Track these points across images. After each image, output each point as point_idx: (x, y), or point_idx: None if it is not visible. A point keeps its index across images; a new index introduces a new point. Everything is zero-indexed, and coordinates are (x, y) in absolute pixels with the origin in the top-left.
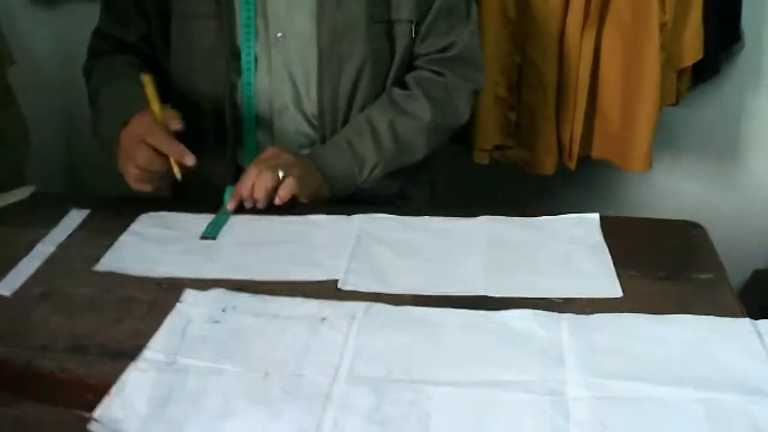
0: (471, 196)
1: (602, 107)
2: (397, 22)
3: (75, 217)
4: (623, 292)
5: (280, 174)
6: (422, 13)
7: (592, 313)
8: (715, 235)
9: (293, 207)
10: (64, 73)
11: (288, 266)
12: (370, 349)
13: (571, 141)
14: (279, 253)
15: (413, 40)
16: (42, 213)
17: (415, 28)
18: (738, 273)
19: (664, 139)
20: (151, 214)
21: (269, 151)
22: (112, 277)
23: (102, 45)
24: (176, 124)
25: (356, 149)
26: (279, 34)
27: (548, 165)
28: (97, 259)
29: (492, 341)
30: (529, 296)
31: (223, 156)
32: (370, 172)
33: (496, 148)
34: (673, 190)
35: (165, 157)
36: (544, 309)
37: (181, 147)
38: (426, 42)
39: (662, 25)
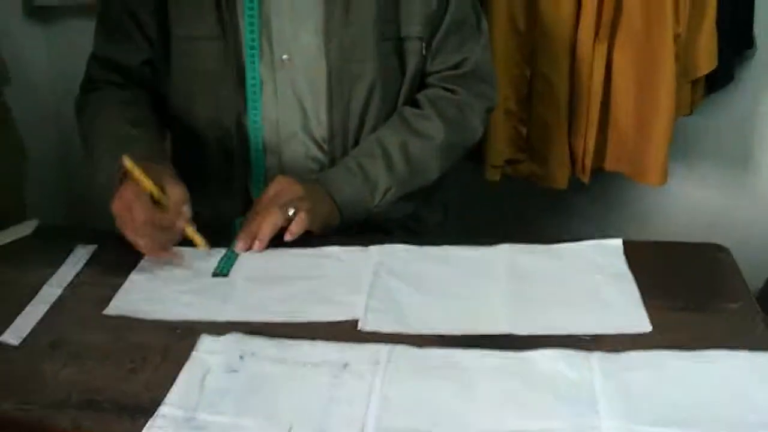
0: (482, 211)
1: (615, 120)
2: (407, 40)
3: (81, 255)
4: (652, 325)
5: (290, 212)
6: (432, 30)
7: (623, 351)
8: (730, 242)
9: (305, 238)
10: (60, 88)
11: (305, 306)
12: (396, 399)
13: (584, 154)
14: (294, 290)
15: (424, 58)
16: (46, 250)
17: (425, 45)
18: (752, 281)
19: (677, 147)
20: None
21: (276, 186)
22: (123, 321)
23: (99, 72)
24: (186, 214)
25: (368, 173)
26: (285, 56)
27: (561, 178)
28: (107, 301)
29: (521, 386)
30: (556, 333)
31: (229, 185)
32: (383, 197)
33: (507, 162)
34: (687, 199)
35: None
36: (573, 347)
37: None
38: (437, 59)
39: (676, 36)
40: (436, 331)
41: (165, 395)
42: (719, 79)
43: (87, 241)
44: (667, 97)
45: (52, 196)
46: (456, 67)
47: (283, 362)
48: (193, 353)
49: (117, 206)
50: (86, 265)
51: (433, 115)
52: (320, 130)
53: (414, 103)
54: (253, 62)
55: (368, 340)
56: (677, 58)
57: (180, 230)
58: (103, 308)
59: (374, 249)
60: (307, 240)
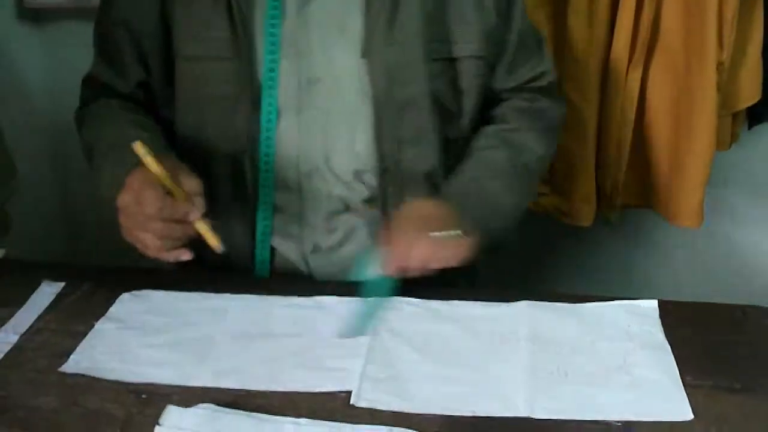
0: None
1: (648, 154)
2: (462, 60)
3: (45, 294)
4: (694, 411)
5: (438, 235)
6: (495, 48)
7: None
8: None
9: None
10: (56, 94)
11: (291, 371)
12: None
13: (612, 190)
14: (280, 350)
15: (491, 77)
16: (8, 285)
17: (486, 63)
18: None
19: (712, 181)
20: (135, 293)
21: (413, 210)
22: (81, 381)
23: (93, 93)
24: (200, 205)
25: (488, 193)
26: (312, 78)
27: (585, 215)
28: (67, 354)
29: None
30: (581, 418)
31: (240, 219)
32: (512, 216)
33: None
34: (722, 238)
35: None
36: None
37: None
38: (513, 75)
39: (719, 64)
40: (441, 410)
41: None
42: (762, 111)
43: (54, 277)
44: (706, 132)
45: (44, 211)
46: (533, 80)
47: None
48: (157, 428)
49: (123, 197)
50: (50, 307)
51: (525, 128)
52: (353, 164)
53: (495, 118)
54: (272, 87)
55: (362, 418)
56: (718, 88)
57: (191, 225)
58: (62, 363)
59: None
60: (300, 288)
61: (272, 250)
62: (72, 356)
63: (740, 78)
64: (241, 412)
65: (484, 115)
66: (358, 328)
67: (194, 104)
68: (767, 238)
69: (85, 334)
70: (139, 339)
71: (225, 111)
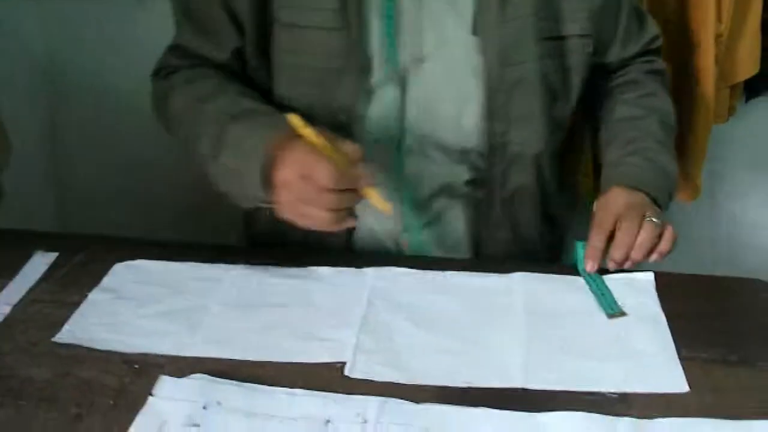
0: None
1: None
2: (570, 38)
3: (38, 264)
4: (690, 383)
5: (657, 221)
6: (607, 24)
7: (656, 417)
8: (763, 259)
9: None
10: (51, 67)
11: (285, 341)
12: None
13: None
14: (274, 321)
15: (605, 53)
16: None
17: (598, 41)
18: None
19: (710, 155)
20: (128, 263)
21: (618, 198)
22: (74, 351)
23: (179, 62)
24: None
25: (656, 162)
26: (420, 55)
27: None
28: (60, 325)
29: None
30: (577, 389)
31: None
32: (675, 182)
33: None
34: (721, 210)
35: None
36: (597, 408)
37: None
38: (629, 46)
39: (718, 36)
40: (435, 381)
41: None
42: (759, 84)
43: (47, 247)
44: (704, 106)
45: (35, 182)
46: (649, 44)
47: (253, 416)
48: (150, 398)
49: (286, 173)
50: (43, 278)
51: (658, 91)
52: (460, 142)
53: (627, 84)
54: (388, 61)
55: (356, 388)
56: (717, 61)
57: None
58: (55, 333)
59: (370, 272)
60: (297, 258)
61: (360, 226)
62: (65, 326)
63: (738, 51)
64: (234, 382)
65: (604, 86)
66: (610, 305)
67: (292, 76)
68: (765, 210)
69: (78, 305)
70: (132, 309)
71: (327, 83)
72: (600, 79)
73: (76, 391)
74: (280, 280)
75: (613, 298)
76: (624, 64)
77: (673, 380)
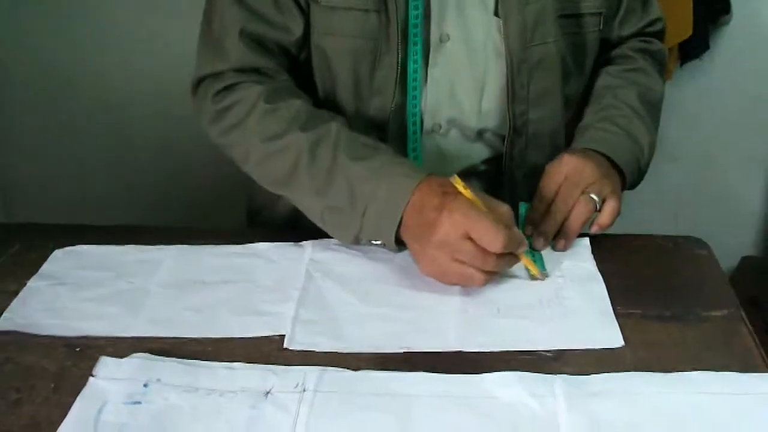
0: None
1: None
2: (585, 16)
3: None
4: (625, 339)
5: (594, 198)
6: (609, 1)
7: (591, 373)
8: (703, 219)
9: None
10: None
11: (224, 317)
12: None
13: None
14: (214, 298)
15: (607, 29)
16: None
17: (604, 18)
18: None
19: None
20: (67, 249)
21: (565, 166)
22: (14, 338)
23: (246, 58)
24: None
25: (628, 130)
26: (443, 36)
27: None
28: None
29: (472, 419)
30: (513, 349)
31: None
32: (649, 153)
33: None
34: (656, 174)
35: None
36: (533, 367)
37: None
38: (628, 25)
39: None
40: (374, 348)
41: None
42: (694, 48)
43: None
44: None
45: None
46: (648, 26)
47: (195, 391)
48: (90, 379)
49: (450, 233)
50: None
51: (646, 67)
52: (479, 123)
53: (616, 58)
54: (416, 44)
55: (296, 360)
56: None
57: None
58: None
59: (308, 245)
60: (234, 236)
61: None
62: (4, 314)
63: (671, 14)
64: (175, 359)
65: (598, 62)
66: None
67: (325, 60)
68: (702, 172)
69: (17, 293)
70: (72, 294)
71: (361, 67)
72: (598, 53)
73: (17, 377)
74: (219, 259)
75: (542, 261)
76: (620, 42)
77: (609, 336)
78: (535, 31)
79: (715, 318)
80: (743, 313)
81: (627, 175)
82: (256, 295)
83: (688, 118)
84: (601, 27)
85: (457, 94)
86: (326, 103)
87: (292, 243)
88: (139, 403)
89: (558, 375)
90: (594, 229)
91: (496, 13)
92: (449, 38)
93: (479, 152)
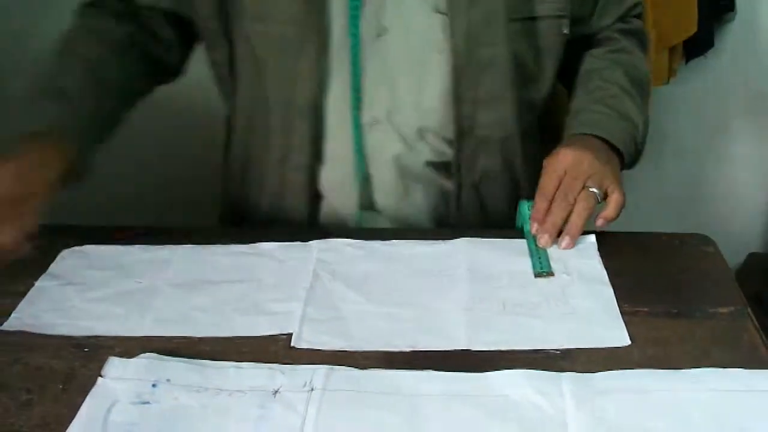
0: None
1: None
2: (542, 19)
3: None
4: (631, 336)
5: (595, 191)
6: (577, 2)
7: (598, 371)
8: (709, 216)
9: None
10: None
11: (232, 317)
12: None
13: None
14: (221, 297)
15: (583, 26)
16: None
17: (574, 20)
18: (732, 255)
19: (653, 116)
20: (75, 249)
21: (563, 159)
22: (24, 338)
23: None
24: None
25: (620, 110)
26: (381, 29)
27: None
28: (7, 314)
29: (480, 417)
30: (521, 348)
31: (295, 169)
32: (643, 131)
33: None
34: (663, 170)
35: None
36: (540, 365)
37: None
38: (607, 16)
39: None
40: (381, 346)
41: None
42: (698, 46)
43: None
44: None
45: None
46: (629, 10)
47: (203, 391)
48: (99, 380)
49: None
50: None
51: (630, 48)
52: (418, 121)
53: (600, 41)
54: (355, 34)
55: (303, 359)
56: (654, 23)
57: None
58: (2, 322)
59: (315, 244)
60: (242, 235)
61: (323, 202)
62: (13, 314)
63: (675, 12)
64: (183, 359)
65: (580, 51)
66: (543, 266)
67: (253, 44)
68: (708, 169)
69: (24, 294)
70: (81, 294)
71: (288, 53)
72: (577, 46)
73: (27, 377)
74: (226, 258)
75: (547, 259)
76: (601, 30)
77: (616, 334)
78: (483, 33)
79: (722, 315)
80: (750, 310)
81: (625, 156)
82: (264, 295)
83: (693, 116)
84: (566, 30)
85: (395, 89)
86: (253, 91)
87: (299, 242)
88: (148, 402)
89: (565, 373)
90: (599, 223)
91: (440, 11)
92: (387, 31)
93: (421, 152)
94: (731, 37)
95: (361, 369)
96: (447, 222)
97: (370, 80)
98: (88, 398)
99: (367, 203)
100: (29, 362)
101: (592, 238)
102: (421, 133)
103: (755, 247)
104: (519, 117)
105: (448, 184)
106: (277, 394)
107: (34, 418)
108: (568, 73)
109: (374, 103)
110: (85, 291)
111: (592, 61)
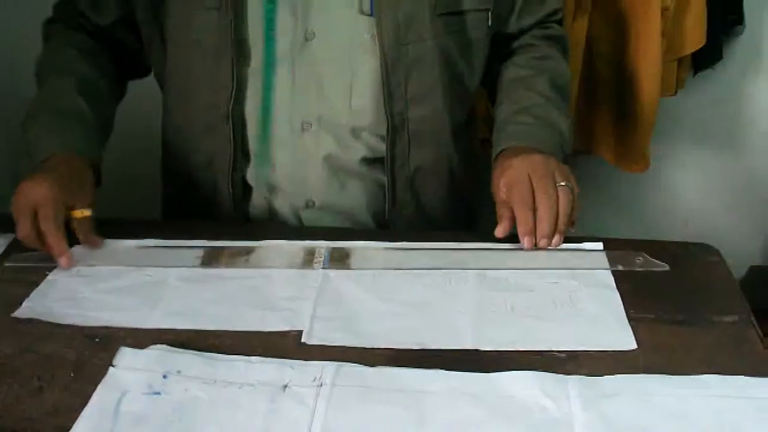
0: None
1: (595, 100)
2: (469, 13)
3: None
4: (637, 342)
5: (567, 185)
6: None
7: (604, 374)
8: (712, 227)
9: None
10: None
11: (243, 312)
12: (339, 430)
13: None
14: (232, 292)
15: (503, 24)
16: None
17: (496, 15)
18: (734, 268)
19: (659, 127)
20: None
21: (520, 166)
22: (35, 327)
23: (66, 17)
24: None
25: (546, 120)
26: (308, 34)
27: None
28: (20, 303)
29: (486, 417)
30: (528, 349)
31: (222, 172)
32: (569, 138)
33: (481, 142)
34: (667, 182)
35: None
36: (547, 367)
37: (63, 247)
38: (526, 18)
39: (664, 10)
40: (390, 344)
41: (73, 421)
42: (707, 57)
43: (5, 229)
44: (652, 78)
45: None
46: (548, 16)
47: (213, 383)
48: (110, 369)
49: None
50: (1, 257)
51: (551, 54)
52: (350, 121)
53: (520, 48)
54: (271, 39)
55: (313, 354)
56: (664, 34)
57: None
58: (14, 310)
59: (324, 244)
60: (249, 231)
61: (265, 203)
62: (24, 302)
63: (685, 23)
64: (194, 351)
65: (500, 54)
66: None
67: (181, 52)
68: (713, 181)
69: (37, 284)
70: (92, 285)
71: (209, 61)
72: (498, 47)
73: (38, 365)
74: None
75: None
76: (521, 33)
77: (622, 338)
78: (410, 30)
79: (726, 323)
80: (753, 319)
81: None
82: (274, 292)
83: (700, 127)
84: (490, 23)
85: (325, 92)
86: (180, 96)
87: (308, 241)
88: (159, 393)
89: (572, 376)
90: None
91: (364, 11)
92: (315, 36)
93: (355, 151)
94: (739, 50)
95: (369, 366)
96: (383, 217)
97: (300, 85)
98: (99, 388)
99: (305, 201)
100: (40, 351)
101: (600, 245)
102: (354, 132)
103: (757, 259)
104: (450, 111)
105: (384, 179)
106: (287, 389)
107: (44, 406)
108: (489, 78)
109: (305, 107)
110: (97, 282)
111: (516, 70)
